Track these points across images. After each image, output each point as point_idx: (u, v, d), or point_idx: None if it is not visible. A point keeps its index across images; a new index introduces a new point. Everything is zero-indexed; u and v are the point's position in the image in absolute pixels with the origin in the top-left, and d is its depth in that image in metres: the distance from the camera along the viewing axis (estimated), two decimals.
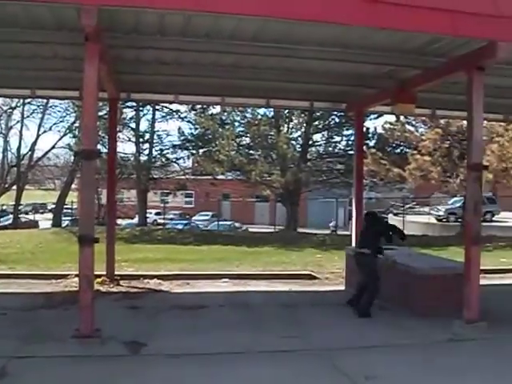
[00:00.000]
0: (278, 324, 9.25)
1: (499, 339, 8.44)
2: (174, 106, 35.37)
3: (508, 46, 8.31)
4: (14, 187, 39.86)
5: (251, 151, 34.47)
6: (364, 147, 25.79)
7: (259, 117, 32.85)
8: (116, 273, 12.83)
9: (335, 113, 30.25)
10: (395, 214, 42.80)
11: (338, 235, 30.83)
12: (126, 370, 6.92)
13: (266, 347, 7.86)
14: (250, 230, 38.61)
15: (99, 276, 11.90)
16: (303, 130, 33.65)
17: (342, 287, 12.70)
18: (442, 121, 27.08)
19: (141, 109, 35.89)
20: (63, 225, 37.42)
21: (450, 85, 11.71)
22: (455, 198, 37.22)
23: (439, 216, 41.15)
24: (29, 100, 32.75)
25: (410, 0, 7.87)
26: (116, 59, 10.44)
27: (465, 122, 11.45)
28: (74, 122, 35.45)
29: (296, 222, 34.06)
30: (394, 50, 9.80)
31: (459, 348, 8.11)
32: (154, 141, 37.94)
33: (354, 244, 13.30)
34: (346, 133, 34.22)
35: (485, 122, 21.58)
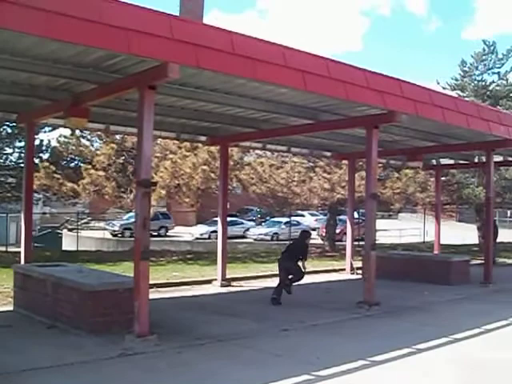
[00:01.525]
0: None
1: (168, 351, 8.74)
2: None
3: (179, 67, 8.68)
4: None
5: None
6: (37, 160, 25.04)
7: None
8: None
9: (7, 123, 28.67)
10: (70, 230, 42.16)
11: (7, 252, 29.31)
12: None
13: None
14: None
15: None
16: None
17: (11, 307, 11.98)
18: (118, 136, 27.42)
19: None
20: None
21: (125, 101, 11.92)
22: (130, 214, 37.85)
23: (114, 231, 41.67)
24: None
25: (85, 14, 7.72)
26: None
27: None
28: None
29: None
30: (69, 62, 9.55)
31: (130, 362, 8.17)
32: None
33: (23, 261, 12.70)
34: (18, 144, 32.54)
35: (159, 139, 22.50)
